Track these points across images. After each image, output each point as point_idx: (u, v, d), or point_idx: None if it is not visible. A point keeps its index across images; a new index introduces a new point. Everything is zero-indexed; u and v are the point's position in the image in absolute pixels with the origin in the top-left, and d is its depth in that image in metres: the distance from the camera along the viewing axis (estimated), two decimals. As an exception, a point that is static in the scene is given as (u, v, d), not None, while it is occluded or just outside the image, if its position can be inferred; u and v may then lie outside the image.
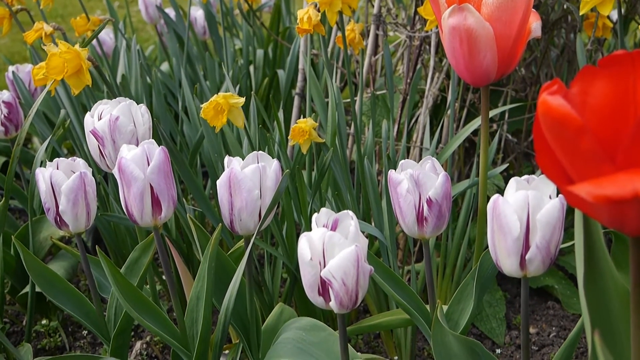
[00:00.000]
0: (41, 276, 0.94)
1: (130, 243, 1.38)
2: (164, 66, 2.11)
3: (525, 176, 0.76)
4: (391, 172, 0.86)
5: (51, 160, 0.93)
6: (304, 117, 1.83)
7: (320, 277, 0.74)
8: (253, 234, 0.87)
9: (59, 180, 0.89)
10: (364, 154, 1.28)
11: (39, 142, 2.04)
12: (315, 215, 0.77)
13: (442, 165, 0.98)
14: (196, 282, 0.90)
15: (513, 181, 0.75)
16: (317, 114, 1.35)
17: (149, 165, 0.83)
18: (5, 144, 1.74)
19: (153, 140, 0.85)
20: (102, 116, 0.97)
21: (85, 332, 1.36)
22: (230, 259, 0.96)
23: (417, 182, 0.84)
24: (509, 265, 0.74)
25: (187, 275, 1.11)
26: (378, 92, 1.58)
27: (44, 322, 1.33)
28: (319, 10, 1.15)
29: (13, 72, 1.43)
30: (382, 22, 1.49)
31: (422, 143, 1.47)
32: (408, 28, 1.52)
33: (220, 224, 0.89)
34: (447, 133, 1.44)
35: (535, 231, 0.72)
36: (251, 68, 1.94)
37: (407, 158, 1.45)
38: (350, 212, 0.77)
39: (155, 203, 0.83)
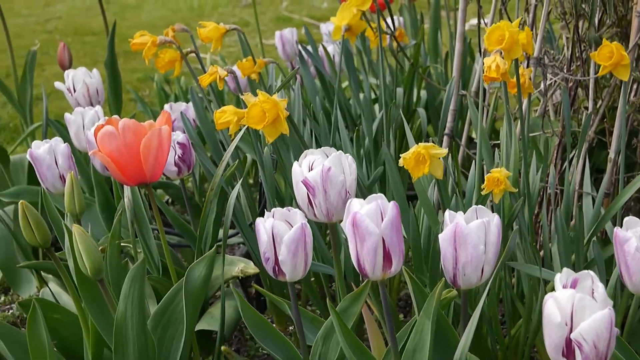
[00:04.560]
0: (255, 324, 0.97)
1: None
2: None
3: None
4: (618, 230, 0.86)
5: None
6: (452, 157, 1.83)
7: (567, 338, 0.75)
8: (475, 287, 0.89)
9: (280, 231, 0.91)
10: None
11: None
12: (558, 275, 0.78)
13: None
14: (414, 335, 0.91)
15: None
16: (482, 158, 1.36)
17: (382, 220, 0.84)
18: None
19: (382, 194, 0.86)
20: (312, 167, 0.99)
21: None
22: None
23: (647, 241, 0.84)
24: None
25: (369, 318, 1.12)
26: (531, 134, 1.57)
27: (214, 360, 1.36)
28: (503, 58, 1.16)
29: (182, 112, 1.47)
30: (543, 65, 1.49)
31: (580, 187, 1.46)
32: (564, 70, 1.52)
33: (443, 279, 0.90)
34: (609, 179, 1.43)
35: None
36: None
37: (556, 201, 1.44)
38: (591, 272, 0.77)
39: (387, 258, 0.85)
